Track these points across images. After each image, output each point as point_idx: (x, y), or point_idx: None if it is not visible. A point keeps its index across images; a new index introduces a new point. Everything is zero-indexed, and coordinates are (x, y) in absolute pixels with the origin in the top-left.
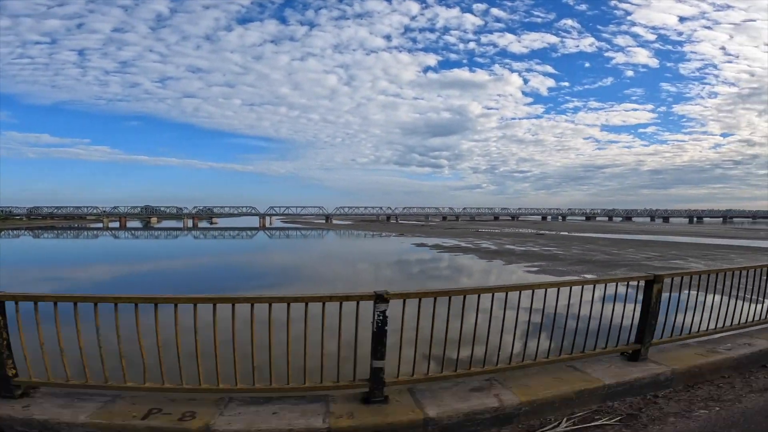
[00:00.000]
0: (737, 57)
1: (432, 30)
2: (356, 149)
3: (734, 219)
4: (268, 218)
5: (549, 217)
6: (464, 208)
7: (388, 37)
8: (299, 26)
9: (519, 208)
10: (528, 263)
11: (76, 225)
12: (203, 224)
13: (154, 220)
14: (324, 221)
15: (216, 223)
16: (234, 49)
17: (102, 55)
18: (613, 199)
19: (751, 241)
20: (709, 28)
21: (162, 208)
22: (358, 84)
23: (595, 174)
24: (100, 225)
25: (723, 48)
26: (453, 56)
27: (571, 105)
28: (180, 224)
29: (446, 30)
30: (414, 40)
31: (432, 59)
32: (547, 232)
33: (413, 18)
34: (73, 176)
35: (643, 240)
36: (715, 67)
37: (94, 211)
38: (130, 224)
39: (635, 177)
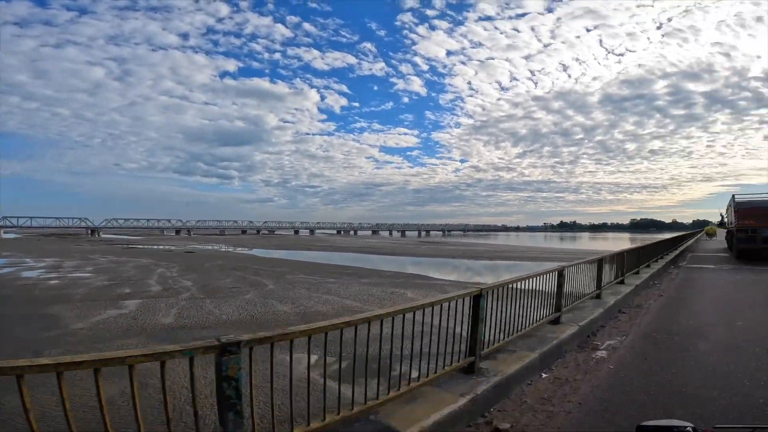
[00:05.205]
0: (477, 92)
1: (238, 35)
2: (122, 153)
3: (452, 231)
4: None
5: (304, 231)
6: (198, 221)
7: (185, 36)
8: (64, 11)
9: (264, 221)
10: None
11: None
12: None
13: None
14: None
15: None
16: None
17: None
18: (387, 214)
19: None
20: (464, 63)
21: None
22: (135, 81)
23: (374, 191)
24: None
25: (469, 83)
26: (256, 65)
27: (358, 125)
28: None
29: (254, 37)
30: (216, 43)
31: (232, 65)
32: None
33: (220, 20)
34: None
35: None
36: (462, 99)
37: None
38: None
39: (403, 195)
